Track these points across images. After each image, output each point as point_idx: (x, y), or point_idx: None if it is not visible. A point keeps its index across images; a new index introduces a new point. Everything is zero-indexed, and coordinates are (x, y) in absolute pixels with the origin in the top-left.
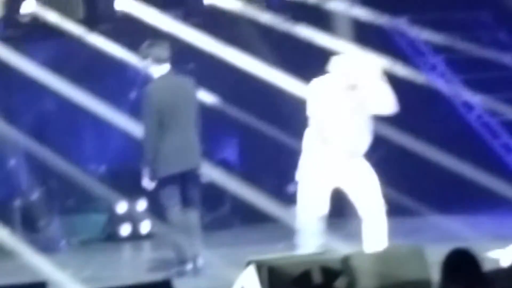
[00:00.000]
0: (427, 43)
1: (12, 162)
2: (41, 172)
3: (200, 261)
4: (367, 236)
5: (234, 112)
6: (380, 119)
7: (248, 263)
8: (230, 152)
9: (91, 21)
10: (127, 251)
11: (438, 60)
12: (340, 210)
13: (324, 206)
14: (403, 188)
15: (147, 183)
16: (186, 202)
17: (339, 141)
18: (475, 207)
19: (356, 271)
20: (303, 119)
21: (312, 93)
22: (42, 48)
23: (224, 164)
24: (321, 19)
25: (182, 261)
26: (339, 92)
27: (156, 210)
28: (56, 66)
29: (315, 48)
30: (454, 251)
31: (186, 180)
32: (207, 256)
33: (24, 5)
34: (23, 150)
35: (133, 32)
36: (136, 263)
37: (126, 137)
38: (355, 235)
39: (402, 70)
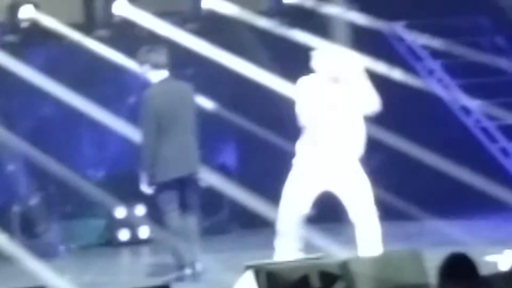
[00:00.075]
0: (425, 48)
1: (11, 168)
2: (40, 177)
3: (199, 266)
4: (361, 241)
5: (233, 117)
6: (377, 124)
7: (247, 268)
8: (229, 157)
9: (90, 27)
10: (125, 256)
11: (436, 65)
12: (338, 215)
13: (304, 208)
14: (401, 193)
15: (146, 188)
16: (184, 207)
17: (328, 140)
18: (473, 212)
19: (354, 275)
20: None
21: (299, 90)
22: (40, 53)
23: (223, 169)
24: (319, 24)
25: (180, 266)
26: (322, 85)
27: (155, 215)
28: (55, 71)
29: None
30: (451, 255)
31: (184, 185)
32: (205, 261)
33: (22, 11)
34: (22, 156)
35: (131, 38)
36: (134, 268)
37: (124, 142)
38: (353, 240)
39: (400, 75)
